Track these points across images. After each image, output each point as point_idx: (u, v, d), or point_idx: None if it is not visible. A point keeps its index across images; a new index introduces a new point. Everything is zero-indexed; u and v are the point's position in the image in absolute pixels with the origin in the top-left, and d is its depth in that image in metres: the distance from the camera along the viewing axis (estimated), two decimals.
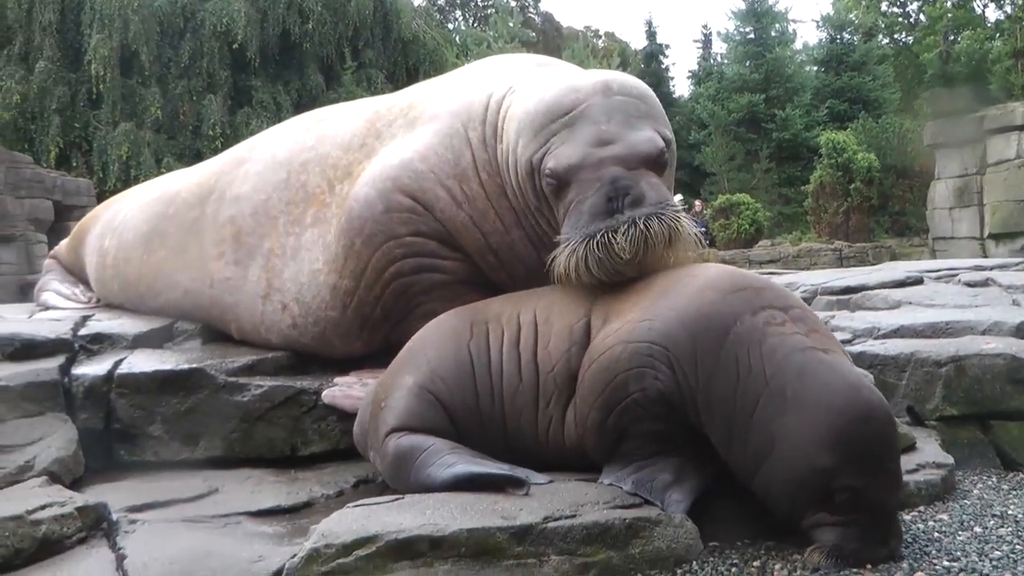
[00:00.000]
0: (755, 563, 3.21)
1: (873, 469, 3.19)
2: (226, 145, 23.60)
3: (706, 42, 45.36)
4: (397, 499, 3.41)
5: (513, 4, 46.77)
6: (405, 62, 30.82)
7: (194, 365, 4.57)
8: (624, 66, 39.09)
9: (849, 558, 3.12)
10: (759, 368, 3.30)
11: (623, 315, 3.63)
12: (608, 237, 3.65)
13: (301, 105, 27.69)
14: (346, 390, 4.53)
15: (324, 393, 4.53)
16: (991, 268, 8.35)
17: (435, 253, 4.41)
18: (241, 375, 4.60)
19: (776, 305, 3.48)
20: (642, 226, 3.65)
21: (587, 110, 3.95)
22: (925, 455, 4.28)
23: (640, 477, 3.45)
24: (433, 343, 4.00)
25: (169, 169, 22.83)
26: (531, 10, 53.49)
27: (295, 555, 3.07)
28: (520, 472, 3.56)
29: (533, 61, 4.92)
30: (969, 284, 7.26)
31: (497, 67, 4.86)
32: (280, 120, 25.13)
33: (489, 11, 49.96)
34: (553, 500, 3.33)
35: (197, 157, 24.63)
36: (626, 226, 3.65)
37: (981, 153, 24.59)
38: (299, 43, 28.56)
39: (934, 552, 3.35)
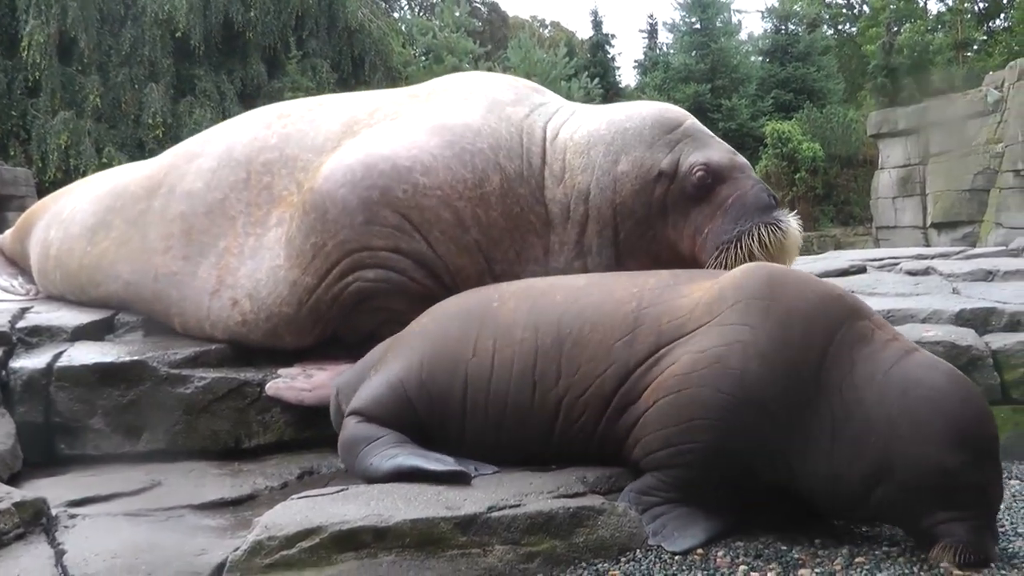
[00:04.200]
0: (698, 551, 3.24)
1: (992, 462, 3.17)
2: (168, 135, 23.41)
3: (652, 32, 45.49)
4: (341, 490, 3.40)
5: None
6: (351, 51, 30.54)
7: (136, 357, 4.50)
8: (570, 56, 39.15)
9: (979, 553, 3.03)
10: (861, 395, 3.21)
11: (687, 341, 3.45)
12: (775, 226, 4.11)
13: (245, 95, 27.46)
14: (290, 382, 4.50)
15: (268, 385, 4.48)
16: (932, 257, 8.49)
17: (406, 271, 4.33)
18: (184, 367, 4.54)
19: (862, 313, 3.42)
20: (795, 224, 4.18)
21: (693, 125, 4.48)
22: None
23: (659, 525, 3.36)
24: (433, 344, 3.84)
25: (110, 158, 22.57)
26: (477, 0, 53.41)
27: (238, 548, 3.04)
28: (468, 465, 3.56)
29: (528, 86, 4.98)
30: (910, 273, 7.38)
31: (502, 89, 4.82)
32: (224, 109, 24.96)
33: (435, 0, 49.79)
34: (498, 490, 3.33)
35: (139, 146, 24.35)
36: (785, 221, 4.16)
37: (924, 143, 24.97)
38: (242, 32, 28.16)
39: (874, 537, 3.41)
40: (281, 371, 4.59)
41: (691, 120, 4.54)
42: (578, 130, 4.54)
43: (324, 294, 4.44)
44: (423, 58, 37.98)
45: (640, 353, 3.51)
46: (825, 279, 4.00)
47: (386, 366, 3.90)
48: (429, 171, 4.31)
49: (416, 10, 52.95)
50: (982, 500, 3.11)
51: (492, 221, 4.36)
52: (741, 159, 4.41)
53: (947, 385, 3.21)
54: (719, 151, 4.37)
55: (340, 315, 4.51)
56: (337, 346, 4.65)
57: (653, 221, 4.35)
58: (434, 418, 3.76)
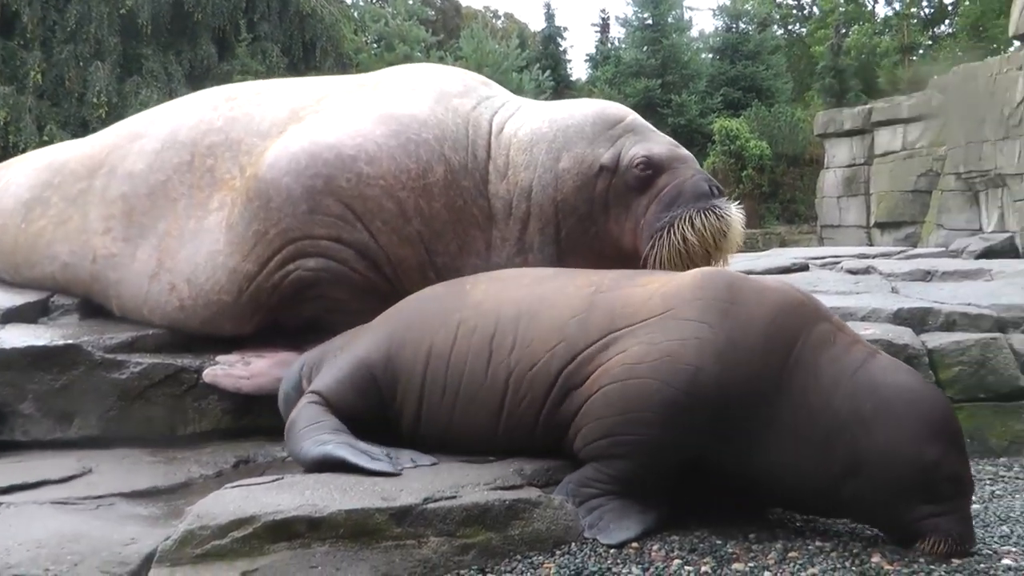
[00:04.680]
0: (633, 544, 3.25)
1: (964, 454, 3.25)
2: (112, 113, 22.96)
3: (604, 26, 45.66)
4: (276, 479, 3.36)
5: None
6: (302, 36, 30.20)
7: (70, 341, 4.42)
8: (522, 48, 39.14)
9: (966, 543, 3.12)
10: (829, 398, 3.23)
11: (638, 330, 3.44)
12: (708, 211, 4.12)
13: (193, 76, 27.02)
14: (228, 369, 4.44)
15: (206, 372, 4.42)
16: (874, 256, 8.63)
17: (347, 261, 4.29)
18: (120, 352, 4.46)
19: (823, 316, 3.45)
20: (736, 211, 4.20)
21: (635, 120, 4.52)
22: None
23: (595, 518, 3.35)
24: (405, 322, 3.88)
25: (52, 136, 22.08)
26: None
27: (169, 537, 2.99)
28: (406, 457, 3.56)
29: (476, 79, 4.97)
30: (851, 272, 7.49)
31: (450, 81, 4.80)
32: (171, 90, 24.58)
33: None
34: (434, 481, 3.31)
35: (82, 125, 23.86)
36: (723, 208, 4.16)
37: (869, 144, 25.34)
38: (192, 12, 27.70)
39: (807, 532, 3.44)
40: (219, 358, 4.53)
41: (633, 116, 4.58)
42: (522, 127, 4.55)
43: (264, 282, 4.38)
44: (375, 45, 37.72)
45: (591, 334, 3.51)
46: (785, 282, 4.01)
47: (353, 347, 3.90)
48: (373, 160, 4.28)
49: None
50: (961, 490, 3.19)
51: (435, 213, 4.34)
52: (683, 151, 4.47)
53: (915, 384, 3.31)
54: (660, 143, 4.42)
55: (280, 303, 4.45)
56: (277, 333, 4.60)
57: (596, 217, 4.37)
58: (396, 397, 3.76)
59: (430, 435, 3.75)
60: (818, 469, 3.21)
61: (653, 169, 4.28)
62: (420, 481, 3.31)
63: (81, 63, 26.22)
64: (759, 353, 3.28)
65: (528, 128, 4.53)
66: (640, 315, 3.47)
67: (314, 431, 3.62)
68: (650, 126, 4.58)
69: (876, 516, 3.29)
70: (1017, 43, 19.86)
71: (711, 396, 3.25)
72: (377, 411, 3.76)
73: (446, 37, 42.65)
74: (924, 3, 49.76)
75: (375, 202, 4.26)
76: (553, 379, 3.53)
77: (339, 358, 3.91)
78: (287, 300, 4.43)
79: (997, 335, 5.37)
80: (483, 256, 4.41)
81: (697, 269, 3.70)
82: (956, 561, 3.07)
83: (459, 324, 3.74)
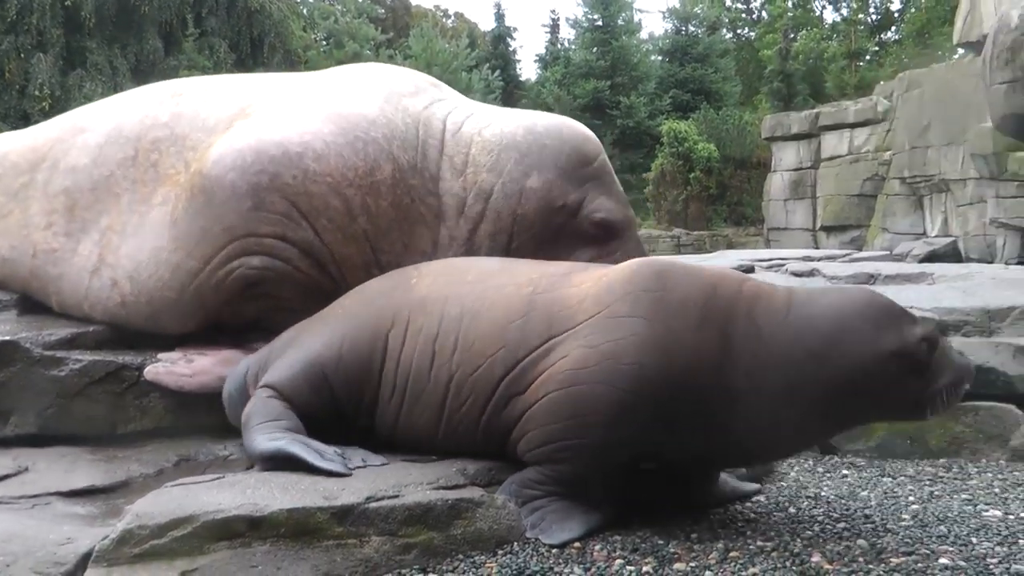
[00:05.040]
0: (575, 544, 3.26)
1: (907, 313, 3.38)
2: (55, 107, 22.60)
3: (554, 27, 45.86)
4: (217, 478, 3.33)
5: None
6: (250, 32, 30.00)
7: (7, 337, 4.32)
8: (472, 47, 39.11)
9: (965, 381, 3.30)
10: (775, 350, 3.29)
11: (578, 333, 3.43)
12: None
13: (139, 70, 26.70)
14: (170, 366, 4.38)
15: (147, 369, 4.35)
16: (818, 259, 8.75)
17: (291, 260, 4.24)
18: (59, 349, 4.38)
19: (747, 280, 3.56)
20: None
21: (603, 164, 4.68)
22: None
23: (537, 518, 3.37)
24: (356, 320, 3.85)
25: None
26: None
27: (106, 536, 2.94)
28: (357, 456, 3.54)
29: (427, 80, 4.95)
30: (796, 274, 7.58)
31: (401, 81, 4.79)
32: (116, 84, 24.27)
33: None
34: (376, 480, 3.30)
35: (23, 118, 23.45)
36: None
37: (816, 148, 25.67)
38: (139, 6, 27.40)
39: (749, 532, 3.48)
40: (161, 355, 4.46)
41: (602, 157, 4.72)
42: (488, 127, 4.56)
43: (208, 279, 4.32)
44: (324, 43, 37.51)
45: (531, 341, 3.50)
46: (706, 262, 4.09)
47: (304, 343, 3.87)
48: (320, 158, 4.24)
49: None
50: (932, 344, 3.28)
51: (381, 211, 4.32)
52: (631, 214, 4.77)
53: (837, 298, 3.44)
54: (618, 204, 4.62)
55: (224, 301, 4.40)
56: (220, 331, 4.55)
57: (547, 240, 4.46)
58: (351, 396, 3.74)
59: (381, 434, 3.74)
60: (794, 416, 3.29)
61: (606, 231, 4.50)
62: (363, 480, 3.30)
63: (22, 55, 25.81)
64: (699, 335, 3.31)
65: (498, 130, 4.55)
66: (577, 318, 3.47)
67: (269, 427, 3.59)
68: (612, 173, 4.77)
69: (876, 415, 3.52)
70: (961, 51, 20.19)
71: (659, 389, 3.26)
72: (330, 408, 3.74)
73: (396, 35, 42.52)
74: (871, 9, 50.59)
75: (321, 199, 4.22)
76: (495, 384, 3.52)
77: (291, 353, 3.87)
78: (230, 298, 4.37)
79: None
80: (429, 255, 4.40)
81: (625, 263, 3.69)
82: (894, 560, 3.13)
83: (407, 323, 3.73)
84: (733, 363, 3.29)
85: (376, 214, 4.30)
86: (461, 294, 3.74)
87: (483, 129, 4.55)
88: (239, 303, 4.39)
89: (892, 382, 3.24)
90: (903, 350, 3.22)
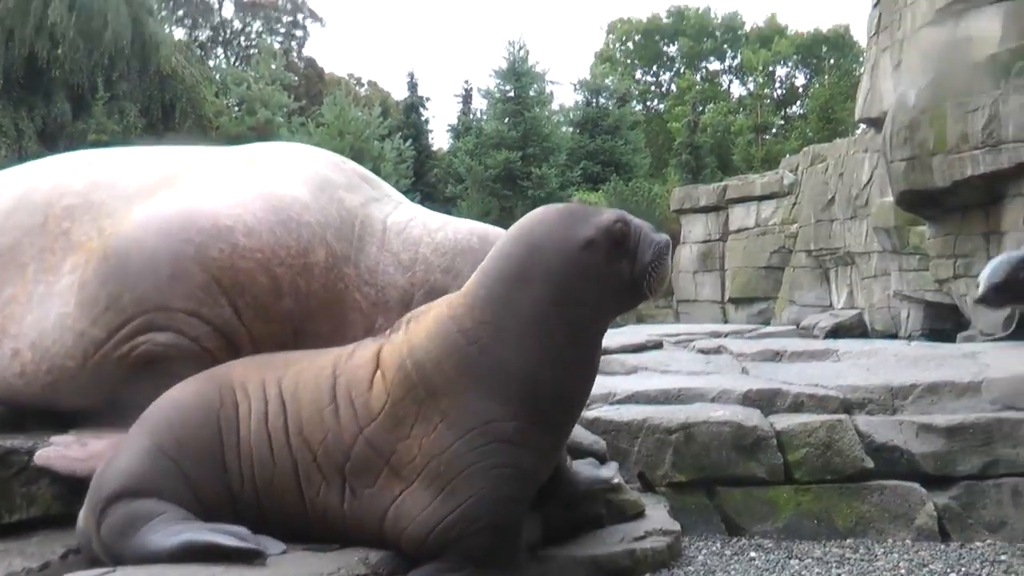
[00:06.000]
0: None
1: (595, 210, 3.60)
2: None
3: (466, 97, 46.32)
4: (108, 572, 3.18)
5: (276, 47, 46.23)
6: (161, 97, 29.76)
7: None
8: (385, 115, 39.25)
9: (663, 255, 3.47)
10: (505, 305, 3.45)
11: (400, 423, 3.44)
12: None
13: (46, 134, 26.25)
14: (62, 450, 4.17)
15: (38, 453, 4.14)
16: (726, 335, 8.88)
17: (200, 340, 4.07)
18: None
19: None
20: None
21: None
22: (653, 522, 4.42)
23: None
24: (178, 407, 3.65)
25: None
26: (294, 54, 53.10)
27: None
28: (261, 542, 3.35)
29: (356, 171, 4.89)
30: (703, 351, 7.66)
31: (331, 169, 4.72)
32: (21, 148, 23.75)
33: (252, 51, 49.18)
34: (275, 572, 3.18)
35: None
36: None
37: (724, 220, 26.17)
38: (48, 68, 27.02)
39: None
40: (54, 438, 4.26)
41: None
42: (440, 231, 4.58)
43: (112, 352, 4.15)
44: (236, 108, 37.25)
45: (348, 432, 3.46)
46: None
47: (133, 444, 3.61)
48: (252, 233, 4.11)
49: (232, 59, 52.16)
50: (623, 225, 3.43)
51: (312, 292, 4.22)
52: None
53: (529, 215, 3.67)
54: None
55: (124, 377, 4.24)
56: (117, 414, 4.38)
57: None
58: (204, 483, 3.51)
59: (247, 523, 3.47)
60: (555, 339, 3.39)
61: None
62: (258, 572, 3.17)
63: None
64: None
65: (450, 235, 4.57)
66: (374, 408, 3.48)
67: (160, 523, 3.33)
68: None
69: (606, 308, 3.53)
70: (863, 126, 20.89)
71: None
72: (190, 496, 3.48)
73: (308, 103, 42.48)
74: (776, 84, 52.23)
75: (248, 275, 4.10)
76: (339, 472, 3.46)
77: (120, 458, 3.58)
78: (133, 374, 4.22)
79: (843, 416, 5.54)
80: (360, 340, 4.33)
81: (385, 336, 3.72)
82: None
83: (237, 404, 3.62)
84: (491, 357, 3.39)
85: (306, 295, 4.21)
86: (276, 378, 3.67)
87: (434, 232, 4.56)
88: (139, 382, 4.24)
89: (603, 268, 3.38)
90: (598, 232, 3.38)
